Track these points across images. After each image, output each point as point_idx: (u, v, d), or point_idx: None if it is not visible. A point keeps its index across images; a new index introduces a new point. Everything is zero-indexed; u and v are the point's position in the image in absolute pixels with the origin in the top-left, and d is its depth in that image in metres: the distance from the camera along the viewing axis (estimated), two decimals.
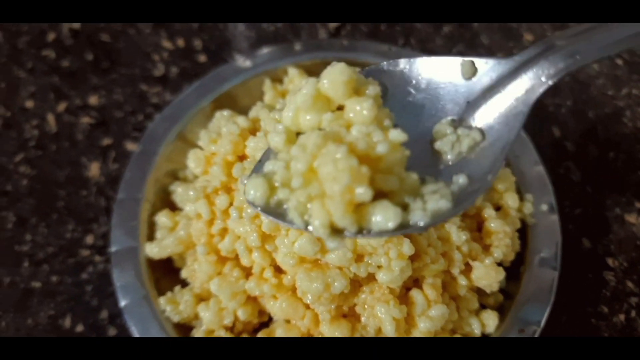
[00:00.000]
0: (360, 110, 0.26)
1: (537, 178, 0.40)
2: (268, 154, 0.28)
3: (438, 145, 0.28)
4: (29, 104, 0.50)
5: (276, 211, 0.26)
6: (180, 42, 0.53)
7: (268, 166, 0.26)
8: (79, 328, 0.40)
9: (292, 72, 0.43)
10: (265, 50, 0.45)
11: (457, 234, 0.33)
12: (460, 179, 0.26)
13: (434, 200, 0.25)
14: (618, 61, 0.51)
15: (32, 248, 0.43)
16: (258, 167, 0.28)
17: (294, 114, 0.27)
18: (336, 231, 0.24)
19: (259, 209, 0.26)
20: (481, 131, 0.28)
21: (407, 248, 0.30)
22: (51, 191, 0.45)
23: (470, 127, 0.29)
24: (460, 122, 0.29)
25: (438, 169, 0.28)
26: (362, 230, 0.24)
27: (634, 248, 0.42)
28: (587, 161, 0.46)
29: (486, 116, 0.29)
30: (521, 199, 0.38)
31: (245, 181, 0.27)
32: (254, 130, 0.36)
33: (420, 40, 0.53)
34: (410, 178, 0.25)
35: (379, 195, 0.24)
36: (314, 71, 0.44)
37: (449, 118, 0.29)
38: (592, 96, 0.50)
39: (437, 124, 0.29)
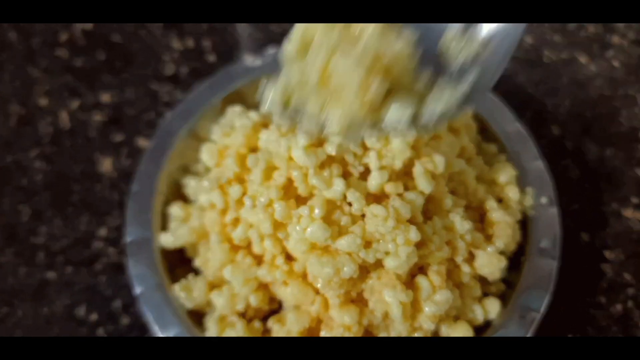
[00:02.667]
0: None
1: (537, 173, 0.41)
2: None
3: (448, 49, 0.30)
4: (43, 101, 0.51)
5: (294, 117, 0.28)
6: (190, 43, 0.54)
7: (283, 76, 0.28)
8: (94, 317, 0.41)
9: None
10: (274, 50, 0.47)
11: (460, 223, 0.35)
12: (470, 77, 0.28)
13: (445, 95, 0.27)
14: (615, 63, 0.53)
15: (48, 240, 0.44)
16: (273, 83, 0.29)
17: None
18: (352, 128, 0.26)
19: (278, 116, 0.28)
20: (484, 39, 0.29)
21: (414, 234, 0.32)
22: (66, 185, 0.47)
23: (475, 35, 0.29)
24: (466, 30, 0.30)
25: (448, 71, 0.29)
26: (376, 125, 0.26)
27: (630, 241, 0.44)
28: (585, 159, 0.48)
29: (490, 26, 0.29)
30: (522, 192, 0.40)
31: (265, 91, 0.28)
32: (266, 124, 0.38)
33: None
34: (422, 76, 0.27)
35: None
36: None
37: (458, 25, 0.30)
38: (590, 97, 0.51)
39: (446, 30, 0.30)
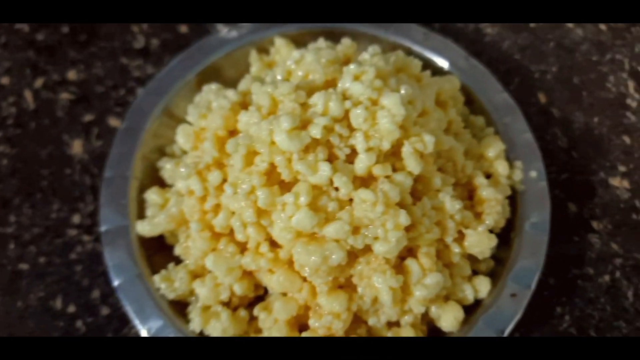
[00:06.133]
0: None
1: (526, 145, 0.40)
2: None
3: None
4: (4, 80, 0.48)
5: None
6: None
7: None
8: (71, 309, 0.39)
9: (279, 42, 0.43)
10: None
11: (450, 203, 0.33)
12: None
13: None
14: (602, 27, 0.52)
15: (17, 229, 0.42)
16: None
17: None
18: None
19: None
20: None
21: (404, 219, 0.30)
22: (33, 170, 0.44)
23: None
24: None
25: None
26: None
27: (618, 211, 0.43)
28: (572, 127, 0.47)
29: None
30: (511, 166, 0.39)
31: None
32: (244, 104, 0.35)
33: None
34: None
35: None
36: (300, 41, 0.43)
37: None
38: (577, 62, 0.50)
39: None
